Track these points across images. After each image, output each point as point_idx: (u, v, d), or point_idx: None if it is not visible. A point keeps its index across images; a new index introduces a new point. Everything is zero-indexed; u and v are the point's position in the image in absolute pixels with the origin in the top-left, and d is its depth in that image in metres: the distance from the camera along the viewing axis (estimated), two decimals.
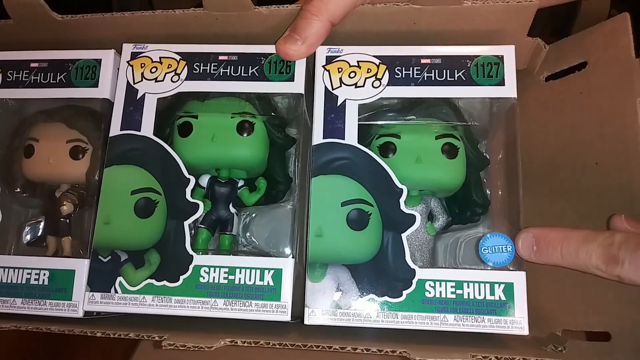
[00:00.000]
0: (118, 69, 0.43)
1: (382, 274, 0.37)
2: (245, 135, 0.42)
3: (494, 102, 0.42)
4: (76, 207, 0.45)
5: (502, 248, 0.37)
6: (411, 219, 0.38)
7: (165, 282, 0.38)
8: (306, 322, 0.37)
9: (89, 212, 0.42)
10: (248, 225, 0.45)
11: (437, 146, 0.42)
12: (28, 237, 0.46)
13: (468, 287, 0.37)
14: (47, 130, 0.45)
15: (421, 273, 0.37)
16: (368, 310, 0.37)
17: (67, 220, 0.45)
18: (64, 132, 0.45)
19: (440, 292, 0.37)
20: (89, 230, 0.40)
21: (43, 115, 0.46)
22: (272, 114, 0.43)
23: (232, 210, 0.44)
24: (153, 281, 0.38)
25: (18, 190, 0.46)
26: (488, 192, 0.44)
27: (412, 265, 0.37)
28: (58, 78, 0.43)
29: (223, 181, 0.44)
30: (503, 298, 0.36)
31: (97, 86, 0.43)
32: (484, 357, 0.34)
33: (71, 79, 0.43)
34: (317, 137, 0.40)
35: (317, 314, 0.37)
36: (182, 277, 0.38)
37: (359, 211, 0.38)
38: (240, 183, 0.45)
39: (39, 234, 0.46)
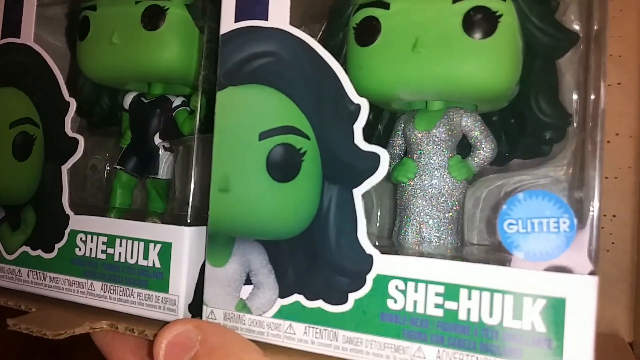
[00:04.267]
0: None
1: (317, 259, 0.21)
2: (153, 28, 0.27)
3: None
4: None
5: (547, 224, 0.18)
6: (369, 163, 0.20)
7: (40, 252, 0.27)
8: None
9: None
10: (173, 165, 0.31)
11: (454, 16, 0.22)
12: None
13: (471, 297, 0.18)
14: None
15: (383, 262, 0.20)
16: (290, 320, 0.21)
17: None
18: None
19: (418, 302, 0.19)
20: None
21: None
22: None
23: (157, 141, 0.30)
24: (28, 249, 0.28)
25: None
26: (575, 97, 0.23)
27: (369, 249, 0.20)
28: None
29: (147, 100, 0.30)
30: (541, 329, 0.17)
31: None
32: None
33: None
34: (227, 21, 0.23)
35: (217, 318, 0.23)
36: (57, 246, 0.27)
37: (286, 148, 0.22)
38: (177, 102, 0.30)
39: None
